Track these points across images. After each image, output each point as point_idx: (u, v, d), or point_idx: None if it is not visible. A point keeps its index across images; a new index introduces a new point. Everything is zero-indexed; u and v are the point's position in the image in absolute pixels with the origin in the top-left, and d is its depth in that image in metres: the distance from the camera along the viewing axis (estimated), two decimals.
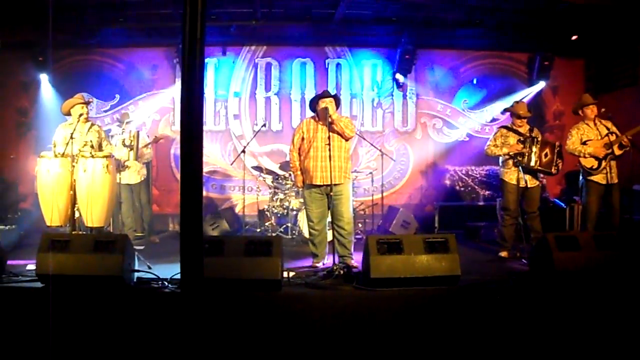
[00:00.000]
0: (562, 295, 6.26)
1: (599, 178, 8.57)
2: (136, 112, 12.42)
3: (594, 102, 8.79)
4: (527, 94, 13.18)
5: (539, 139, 8.62)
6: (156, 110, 12.76)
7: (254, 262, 6.44)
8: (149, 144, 10.49)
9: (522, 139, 8.61)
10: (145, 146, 10.33)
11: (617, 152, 8.49)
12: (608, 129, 8.60)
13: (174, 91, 12.67)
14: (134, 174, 10.15)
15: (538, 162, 8.48)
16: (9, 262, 7.26)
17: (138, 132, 9.97)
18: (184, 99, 3.15)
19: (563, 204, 10.88)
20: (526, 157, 8.49)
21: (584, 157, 8.60)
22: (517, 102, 9.14)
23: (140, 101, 12.76)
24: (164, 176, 12.80)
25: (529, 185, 8.64)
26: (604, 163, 8.50)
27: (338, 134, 7.73)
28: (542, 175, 8.94)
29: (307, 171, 7.88)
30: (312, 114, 8.16)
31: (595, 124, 8.68)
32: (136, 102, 12.74)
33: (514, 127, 8.82)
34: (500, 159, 8.88)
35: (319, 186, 7.81)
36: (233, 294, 6.12)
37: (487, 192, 13.11)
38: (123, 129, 9.72)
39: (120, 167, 9.42)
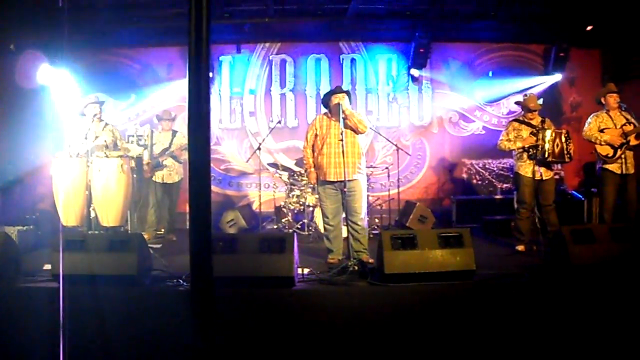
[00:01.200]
0: (578, 289, 6.21)
1: (614, 167, 8.53)
2: (152, 111, 12.47)
3: (617, 90, 8.73)
4: (539, 82, 13.09)
5: (551, 130, 8.56)
6: (172, 108, 12.80)
7: (267, 259, 6.45)
8: (183, 145, 10.49)
9: (534, 131, 8.56)
10: (179, 148, 10.32)
11: (634, 142, 8.44)
12: (627, 119, 8.54)
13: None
14: (171, 173, 10.23)
15: (551, 154, 8.42)
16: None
17: (152, 131, 10.04)
18: (191, 98, 3.15)
19: (581, 196, 10.81)
20: (540, 149, 8.44)
21: (600, 144, 8.55)
22: (526, 96, 9.10)
23: (156, 98, 12.78)
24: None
25: (543, 178, 8.57)
26: (619, 152, 8.45)
27: (352, 129, 7.72)
28: (559, 166, 8.86)
29: (321, 167, 7.88)
30: (326, 110, 8.15)
31: (615, 114, 8.63)
32: (151, 100, 12.75)
33: (526, 120, 8.77)
34: (514, 152, 8.82)
35: (333, 182, 7.80)
36: (247, 291, 6.13)
37: (504, 186, 13.05)
38: (158, 129, 9.80)
39: (157, 166, 9.49)
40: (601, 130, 8.58)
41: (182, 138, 10.42)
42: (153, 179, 10.16)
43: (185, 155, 10.41)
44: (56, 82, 12.01)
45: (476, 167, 13.29)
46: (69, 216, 7.55)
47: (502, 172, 13.16)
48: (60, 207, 7.59)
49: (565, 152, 8.47)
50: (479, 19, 12.07)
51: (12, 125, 11.44)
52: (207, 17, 3.10)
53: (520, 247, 8.72)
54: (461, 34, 12.93)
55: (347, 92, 8.00)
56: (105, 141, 8.30)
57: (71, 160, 7.60)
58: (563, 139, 8.47)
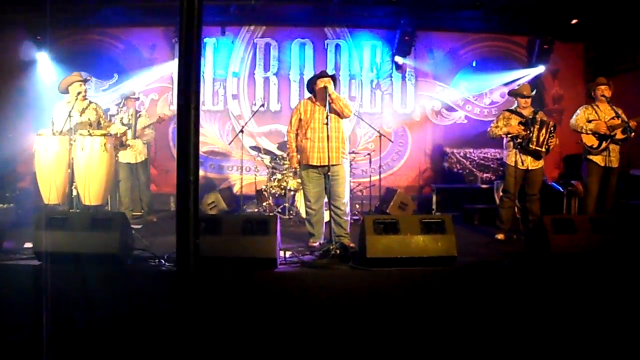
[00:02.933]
0: (557, 277, 6.28)
1: (598, 159, 8.60)
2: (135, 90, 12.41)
3: (607, 83, 8.78)
4: (525, 74, 13.16)
5: (539, 119, 8.61)
6: (154, 88, 12.74)
7: (250, 241, 6.44)
8: (152, 123, 10.49)
9: (523, 121, 8.61)
10: (148, 126, 10.34)
11: (619, 135, 8.50)
12: (617, 113, 8.59)
13: (172, 70, 12.62)
14: (134, 153, 10.19)
15: (535, 143, 8.47)
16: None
17: (136, 111, 10.00)
18: (181, 78, 3.14)
19: (561, 188, 10.89)
20: (524, 138, 8.50)
21: (586, 133, 8.61)
22: (520, 85, 9.15)
23: (138, 80, 12.71)
24: (162, 156, 12.81)
25: (530, 167, 8.64)
26: (604, 144, 8.52)
27: (337, 113, 7.72)
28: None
29: (304, 151, 7.88)
30: (310, 95, 8.16)
31: (604, 107, 8.69)
32: (134, 81, 12.68)
33: (517, 110, 8.82)
34: (504, 141, 8.88)
35: (316, 167, 7.82)
36: (230, 272, 6.14)
37: (485, 175, 13.12)
38: (120, 107, 9.75)
39: (120, 145, 9.46)
40: (589, 122, 8.64)
41: (146, 119, 10.38)
42: (119, 159, 10.04)
43: (147, 136, 10.42)
44: (39, 60, 11.94)
45: (457, 156, 13.35)
46: (50, 194, 7.48)
47: (483, 162, 13.23)
48: (42, 185, 7.53)
49: (545, 143, 8.52)
50: (465, 9, 12.11)
51: None
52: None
53: (500, 236, 8.78)
54: (446, 23, 12.96)
55: (333, 77, 7.99)
56: (89, 119, 8.23)
57: (54, 138, 7.52)
58: (547, 131, 8.52)
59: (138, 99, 10.70)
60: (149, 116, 10.66)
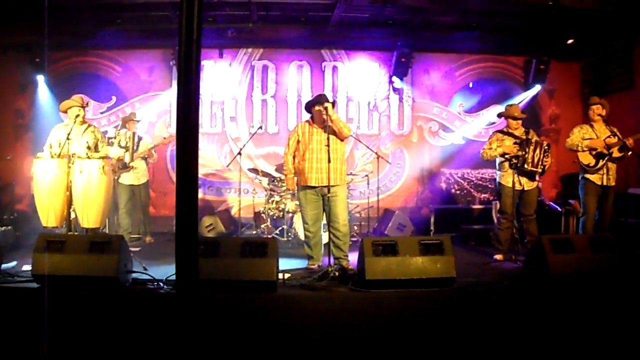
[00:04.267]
0: (557, 298, 6.27)
1: (595, 178, 8.60)
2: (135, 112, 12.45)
3: (599, 102, 8.80)
4: (523, 98, 13.25)
5: (534, 140, 8.64)
6: (154, 112, 12.76)
7: (249, 264, 6.45)
8: (156, 146, 10.53)
9: (518, 141, 8.64)
10: (152, 148, 10.36)
11: (616, 154, 8.52)
12: (613, 132, 8.62)
13: (171, 93, 12.66)
14: (137, 175, 10.25)
15: (531, 163, 8.49)
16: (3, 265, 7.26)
17: (134, 133, 10.03)
18: (180, 101, 3.16)
19: (558, 207, 10.90)
20: (520, 159, 8.51)
21: (582, 150, 8.61)
22: (510, 105, 9.17)
23: (137, 103, 12.75)
24: (160, 178, 12.79)
25: (525, 188, 8.67)
26: (601, 162, 8.53)
27: (335, 134, 7.74)
28: (538, 177, 8.93)
29: (302, 172, 7.90)
30: (308, 116, 8.18)
31: (600, 126, 8.72)
32: (133, 104, 12.73)
33: (509, 131, 8.84)
34: (497, 162, 8.89)
35: (314, 187, 7.83)
36: (229, 295, 6.13)
37: (482, 195, 13.13)
38: (118, 130, 9.79)
39: (123, 167, 9.50)
40: (584, 140, 8.66)
41: (149, 143, 10.43)
42: (120, 181, 10.09)
43: (153, 158, 10.46)
44: (37, 82, 11.97)
45: (455, 176, 13.35)
46: (49, 217, 7.47)
47: (480, 182, 13.23)
48: (40, 208, 7.53)
49: (540, 163, 8.54)
50: (461, 30, 12.16)
51: None
52: (198, 20, 3.12)
53: (499, 257, 8.78)
54: (443, 44, 13.04)
55: (334, 103, 8.03)
56: (87, 142, 8.24)
57: (52, 161, 7.53)
58: (542, 151, 8.54)
59: (139, 121, 10.72)
60: (153, 138, 10.67)
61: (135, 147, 10.25)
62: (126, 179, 10.14)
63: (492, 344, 5.24)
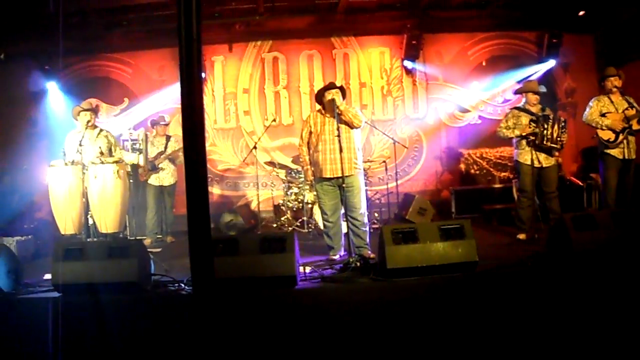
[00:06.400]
0: (580, 276, 6.18)
1: (616, 152, 8.48)
2: (146, 114, 12.44)
3: (616, 74, 8.66)
4: (535, 70, 13.05)
5: (551, 116, 8.52)
6: (165, 109, 12.72)
7: (269, 259, 6.39)
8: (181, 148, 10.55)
9: (534, 118, 8.52)
10: (179, 150, 10.34)
11: (636, 126, 8.37)
12: (630, 103, 8.48)
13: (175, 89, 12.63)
14: (167, 176, 10.30)
15: (550, 140, 8.37)
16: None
17: (147, 134, 10.03)
18: (184, 101, 3.12)
19: (580, 182, 10.78)
20: (539, 136, 8.40)
21: (601, 129, 8.50)
22: (528, 81, 9.07)
23: (149, 102, 12.72)
24: (179, 177, 12.78)
25: (544, 165, 8.55)
26: (621, 136, 8.40)
27: (346, 124, 7.66)
28: (557, 153, 8.80)
29: (317, 164, 7.84)
30: (319, 107, 8.11)
31: (617, 98, 8.58)
32: (145, 104, 12.70)
33: (526, 107, 8.73)
34: (514, 140, 8.78)
35: (330, 179, 7.76)
36: (250, 292, 6.09)
37: (502, 174, 13.03)
38: (153, 135, 9.87)
39: (152, 169, 9.52)
40: (603, 115, 8.52)
41: (176, 143, 10.43)
42: (149, 182, 10.20)
43: (181, 158, 10.42)
44: (48, 90, 11.99)
45: (474, 157, 13.28)
46: (66, 224, 7.50)
47: (499, 161, 13.15)
48: (57, 216, 7.54)
49: (559, 139, 8.42)
50: (471, 8, 12.04)
51: (5, 134, 11.41)
52: (197, 19, 3.07)
53: (522, 236, 8.68)
54: (453, 24, 12.90)
55: (341, 88, 7.95)
56: (100, 147, 8.24)
57: (66, 168, 7.55)
58: (560, 127, 8.43)
59: (168, 124, 10.74)
60: (178, 140, 10.63)
61: (164, 149, 10.30)
62: (155, 179, 10.19)
63: (516, 328, 5.18)
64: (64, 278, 6.23)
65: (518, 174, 8.86)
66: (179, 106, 3.26)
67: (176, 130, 12.47)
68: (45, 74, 11.79)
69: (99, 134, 8.45)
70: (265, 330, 5.37)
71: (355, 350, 5.09)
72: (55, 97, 12.11)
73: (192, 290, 3.09)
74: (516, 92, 9.36)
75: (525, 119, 8.59)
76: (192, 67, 3.14)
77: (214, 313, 3.16)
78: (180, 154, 10.48)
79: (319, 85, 12.57)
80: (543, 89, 8.88)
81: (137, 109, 12.61)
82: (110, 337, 5.28)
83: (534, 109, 8.66)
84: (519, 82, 12.74)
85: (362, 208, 7.82)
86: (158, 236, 10.32)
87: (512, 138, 8.72)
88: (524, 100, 8.89)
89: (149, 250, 7.17)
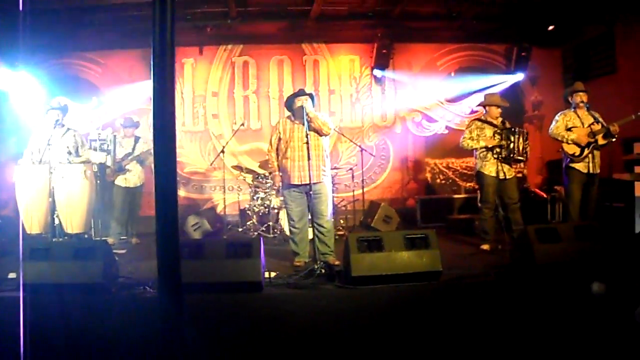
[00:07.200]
0: (543, 288, 6.27)
1: (580, 166, 8.59)
2: (114, 114, 12.36)
3: (584, 89, 8.78)
4: (501, 81, 13.21)
5: (515, 129, 8.64)
6: (134, 110, 12.64)
7: (234, 264, 6.41)
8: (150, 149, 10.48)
9: (498, 130, 8.64)
10: (147, 151, 10.25)
11: (601, 141, 8.50)
12: (595, 118, 8.59)
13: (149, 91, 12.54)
14: (134, 178, 10.22)
15: (517, 152, 8.50)
16: None
17: (115, 135, 9.97)
18: (156, 102, 3.13)
19: (544, 194, 10.92)
20: (505, 148, 8.52)
21: (567, 142, 8.62)
22: (490, 94, 9.17)
23: (117, 102, 12.63)
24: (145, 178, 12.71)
25: (507, 177, 8.66)
26: (586, 151, 8.51)
27: (316, 131, 7.70)
28: (521, 165, 8.92)
29: (285, 171, 7.86)
30: (289, 113, 8.14)
31: (582, 112, 8.68)
32: (114, 104, 12.61)
33: (488, 119, 8.85)
34: (476, 151, 8.88)
35: (298, 186, 7.79)
36: (215, 297, 6.10)
37: (468, 185, 13.17)
38: (122, 137, 9.79)
39: (119, 170, 9.46)
40: (569, 129, 8.64)
41: (144, 144, 10.36)
42: (116, 182, 10.12)
43: (150, 159, 10.36)
44: (16, 87, 11.85)
45: (440, 166, 13.40)
46: (32, 224, 7.45)
47: (465, 171, 13.28)
48: (24, 214, 7.49)
49: (524, 151, 8.56)
50: (441, 20, 12.13)
51: None
52: (171, 22, 3.08)
53: (485, 246, 8.78)
54: (423, 34, 13.01)
55: (311, 95, 7.99)
56: (67, 147, 8.19)
57: (33, 167, 7.50)
58: (524, 139, 8.56)
59: (137, 125, 10.68)
60: (147, 141, 10.57)
61: (132, 150, 10.24)
62: (121, 180, 10.12)
63: (479, 337, 5.25)
64: (29, 277, 6.19)
65: (481, 186, 8.96)
66: (148, 107, 3.29)
67: (145, 132, 12.43)
68: (14, 71, 11.67)
69: (66, 132, 8.39)
70: (230, 336, 5.39)
71: (321, 356, 5.12)
72: (22, 94, 11.98)
73: (158, 294, 3.09)
74: (480, 104, 9.47)
75: (489, 130, 8.71)
76: (165, 70, 3.14)
77: (180, 317, 3.17)
78: (150, 155, 10.45)
79: (288, 90, 12.61)
80: (505, 102, 9.01)
81: (106, 109, 12.51)
82: (75, 338, 5.26)
83: (495, 122, 8.78)
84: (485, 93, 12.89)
85: (329, 215, 7.86)
86: (122, 237, 10.24)
87: (476, 149, 8.82)
88: (484, 112, 9.02)
89: (114, 251, 7.15)
